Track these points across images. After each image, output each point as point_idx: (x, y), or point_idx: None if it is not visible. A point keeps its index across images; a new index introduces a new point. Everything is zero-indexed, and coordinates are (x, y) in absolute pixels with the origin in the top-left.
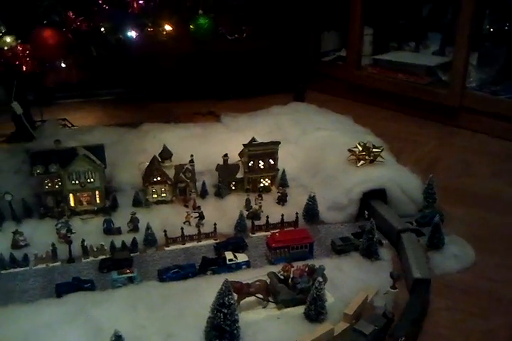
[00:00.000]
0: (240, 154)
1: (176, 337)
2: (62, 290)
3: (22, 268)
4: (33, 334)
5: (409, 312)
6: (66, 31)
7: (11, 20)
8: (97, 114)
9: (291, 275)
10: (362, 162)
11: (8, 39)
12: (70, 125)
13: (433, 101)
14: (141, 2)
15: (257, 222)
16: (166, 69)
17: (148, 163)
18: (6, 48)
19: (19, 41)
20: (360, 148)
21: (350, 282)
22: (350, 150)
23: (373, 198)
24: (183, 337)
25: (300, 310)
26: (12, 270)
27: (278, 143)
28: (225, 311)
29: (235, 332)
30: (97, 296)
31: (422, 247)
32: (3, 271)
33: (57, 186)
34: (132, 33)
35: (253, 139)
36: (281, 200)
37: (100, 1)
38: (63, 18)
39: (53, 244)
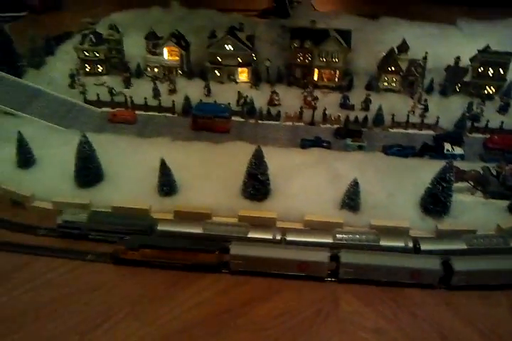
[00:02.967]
0: (472, 59)
1: (396, 196)
2: (306, 143)
3: (274, 122)
4: (285, 170)
5: None
6: None
7: None
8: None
9: (504, 173)
10: None
11: None
12: (314, 9)
13: None
14: None
15: (475, 125)
16: None
17: (385, 53)
18: None
19: None
20: None
21: None
22: None
23: None
24: (402, 198)
25: (504, 203)
26: (267, 121)
27: None
28: (444, 185)
29: (448, 203)
30: (335, 154)
31: None
32: (260, 121)
33: (306, 60)
34: None
35: (487, 46)
36: (503, 109)
37: None
38: None
39: (301, 107)
